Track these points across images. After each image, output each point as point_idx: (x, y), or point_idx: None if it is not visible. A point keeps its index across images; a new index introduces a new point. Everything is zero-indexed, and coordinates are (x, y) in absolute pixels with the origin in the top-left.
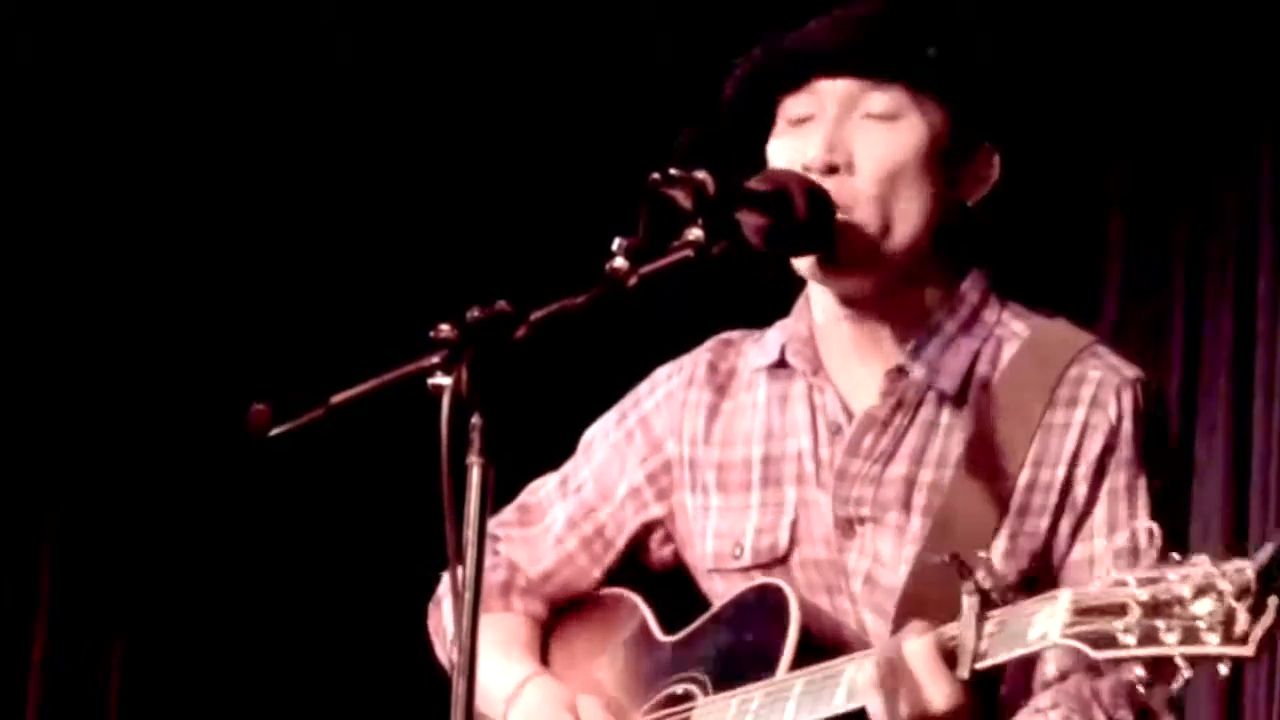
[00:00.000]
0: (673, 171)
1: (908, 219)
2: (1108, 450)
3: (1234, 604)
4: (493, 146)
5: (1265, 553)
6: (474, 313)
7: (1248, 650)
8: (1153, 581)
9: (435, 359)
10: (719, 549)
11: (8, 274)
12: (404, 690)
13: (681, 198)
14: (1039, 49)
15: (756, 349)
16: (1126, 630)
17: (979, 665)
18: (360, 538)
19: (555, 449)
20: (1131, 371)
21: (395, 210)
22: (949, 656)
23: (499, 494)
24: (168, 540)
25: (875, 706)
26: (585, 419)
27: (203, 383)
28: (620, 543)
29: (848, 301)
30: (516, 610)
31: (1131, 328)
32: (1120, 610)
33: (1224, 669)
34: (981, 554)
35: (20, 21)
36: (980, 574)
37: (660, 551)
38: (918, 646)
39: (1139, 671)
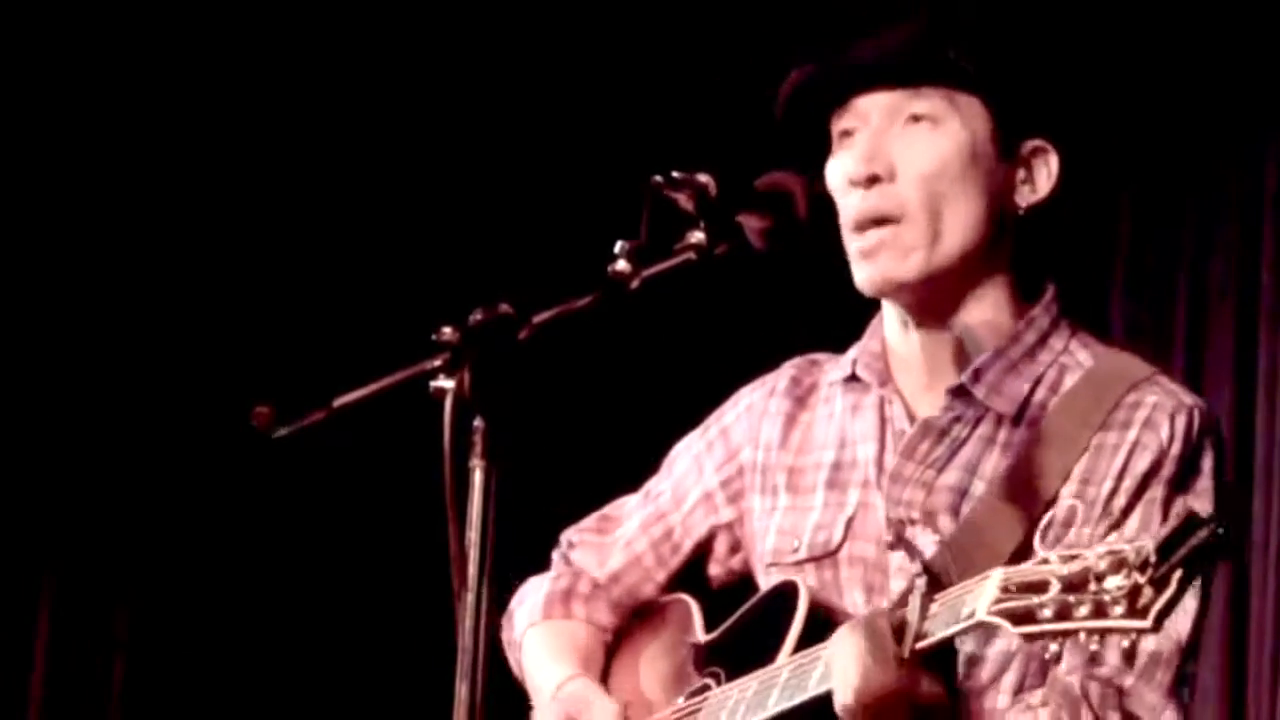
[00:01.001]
0: (674, 174)
1: (956, 225)
2: (1154, 468)
3: (1139, 579)
4: (495, 148)
5: (1166, 527)
6: (476, 315)
7: (1146, 624)
8: (1072, 559)
9: (438, 361)
10: (779, 545)
11: (13, 271)
12: (410, 692)
13: (683, 200)
14: (1046, 49)
15: (835, 366)
16: (1043, 606)
17: (919, 645)
18: (363, 541)
19: (560, 452)
20: (1190, 399)
21: (398, 212)
22: (898, 635)
23: (502, 496)
24: (171, 542)
25: (835, 672)
26: (587, 422)
27: (206, 383)
28: (687, 546)
29: (912, 312)
30: (577, 617)
31: (1135, 331)
32: (1042, 587)
33: (1125, 643)
34: (934, 536)
35: (20, 19)
36: (928, 555)
37: (728, 561)
38: (863, 625)
39: (1053, 647)
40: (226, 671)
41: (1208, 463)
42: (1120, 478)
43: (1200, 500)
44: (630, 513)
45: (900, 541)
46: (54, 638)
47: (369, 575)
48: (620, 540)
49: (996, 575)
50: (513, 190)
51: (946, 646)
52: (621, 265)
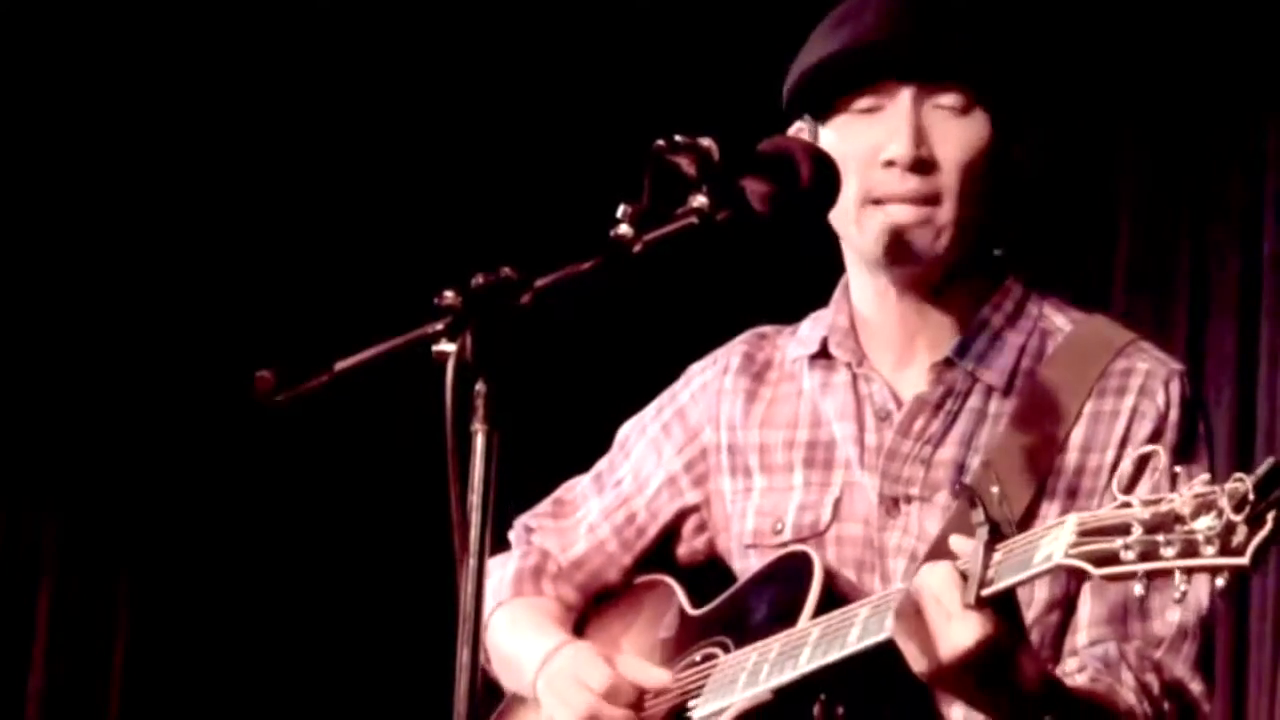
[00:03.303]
0: (677, 138)
1: (978, 211)
2: (1155, 436)
3: (1233, 517)
4: (497, 113)
5: (1264, 467)
6: (478, 279)
7: (1244, 560)
8: (1155, 502)
9: (439, 325)
10: (759, 526)
11: (11, 250)
12: (411, 657)
13: (686, 165)
14: (1048, 41)
15: (793, 341)
16: (1127, 548)
17: (985, 591)
18: (365, 505)
19: (562, 418)
20: (1176, 364)
21: (400, 177)
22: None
23: (502, 462)
24: (172, 509)
25: (901, 643)
26: (592, 389)
27: (206, 353)
28: (653, 530)
29: (905, 288)
30: (548, 594)
31: (1136, 322)
32: (1124, 529)
33: (1220, 581)
34: (994, 489)
35: (19, 15)
36: (990, 505)
37: (693, 542)
38: (930, 576)
39: (1137, 588)
40: (228, 634)
41: (1201, 426)
42: (1123, 445)
43: (1201, 462)
44: (585, 496)
45: (964, 489)
46: (55, 606)
47: (371, 540)
48: (582, 525)
49: (1072, 520)
50: (515, 154)
51: (1012, 598)
52: (624, 229)
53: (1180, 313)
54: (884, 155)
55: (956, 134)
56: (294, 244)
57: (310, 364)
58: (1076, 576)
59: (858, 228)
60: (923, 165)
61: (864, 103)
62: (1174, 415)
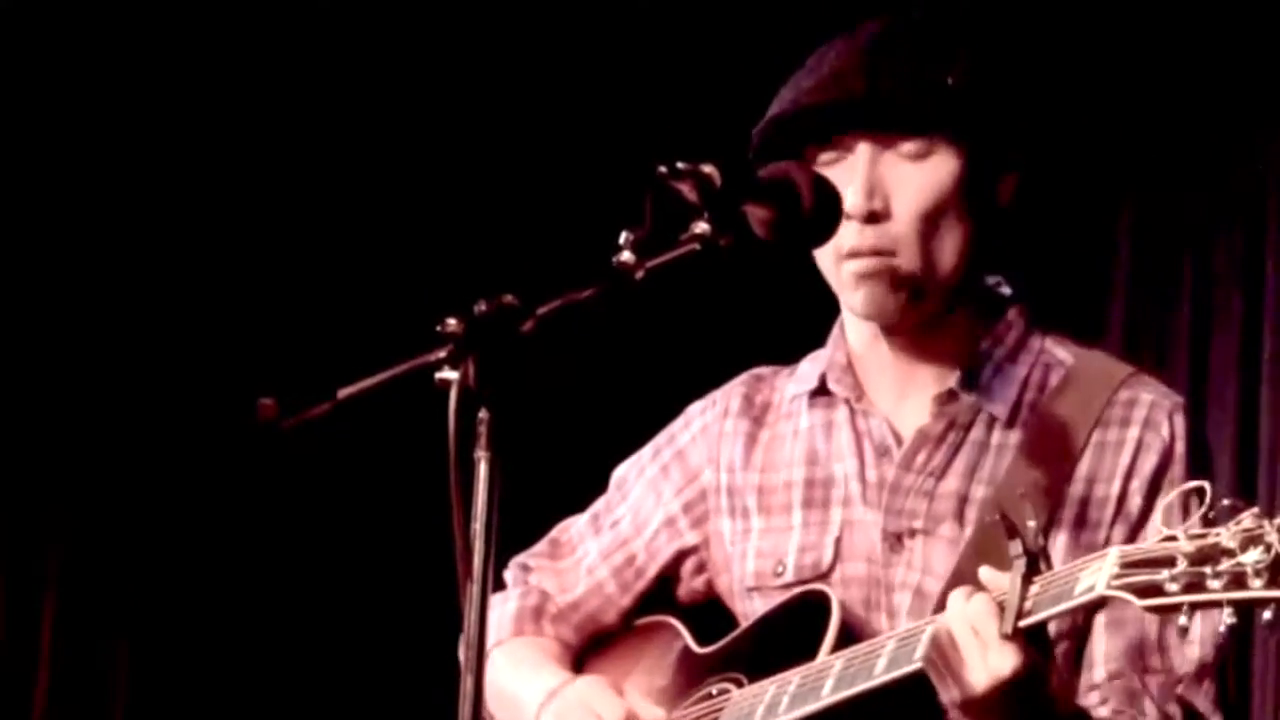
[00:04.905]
0: (679, 164)
1: (949, 253)
2: (1161, 468)
3: None
4: (499, 139)
5: None
6: (480, 306)
7: None
8: (1201, 536)
9: (442, 353)
10: (760, 568)
11: (15, 266)
12: (414, 684)
13: (687, 191)
14: (1042, 55)
15: (791, 380)
16: (1173, 580)
17: (1023, 622)
18: (368, 533)
19: (565, 442)
20: (1178, 397)
21: (402, 204)
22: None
23: (506, 487)
24: (175, 534)
25: (933, 672)
26: (591, 413)
27: (208, 379)
28: (652, 571)
29: (890, 331)
30: (548, 634)
31: (1138, 328)
32: (1168, 562)
33: (1268, 614)
34: (1030, 522)
35: (19, 13)
36: (1027, 537)
37: (692, 582)
38: (968, 607)
39: (1181, 620)
40: (230, 664)
41: (1201, 457)
42: (1129, 478)
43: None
44: (581, 537)
45: (1004, 519)
46: (59, 637)
47: (373, 567)
48: (580, 566)
49: (1114, 553)
50: (517, 181)
51: (1042, 632)
52: (626, 256)
53: (1184, 310)
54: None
55: (914, 181)
56: (297, 272)
57: (313, 392)
58: (1102, 609)
59: (837, 281)
60: (875, 217)
61: (827, 155)
62: (1179, 448)
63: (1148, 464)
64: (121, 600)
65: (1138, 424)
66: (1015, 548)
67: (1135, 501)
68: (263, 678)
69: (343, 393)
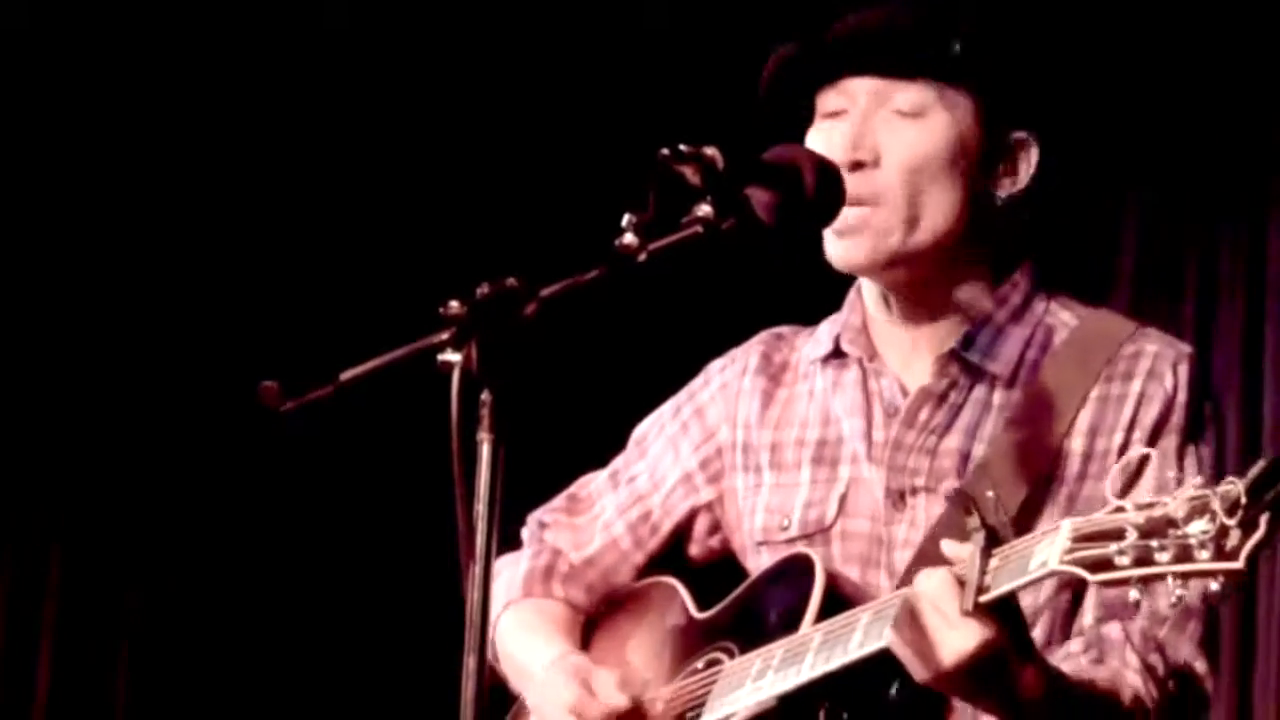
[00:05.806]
0: (682, 147)
1: (935, 213)
2: (1163, 418)
3: (1226, 521)
4: (501, 123)
5: (1256, 469)
6: (483, 289)
7: (1238, 564)
8: (1149, 506)
9: (444, 335)
10: (768, 523)
11: (12, 257)
12: (417, 664)
13: (690, 174)
14: (1041, 41)
15: (809, 342)
16: (1121, 553)
17: (982, 599)
18: (371, 515)
19: (567, 425)
20: (1185, 347)
21: (405, 187)
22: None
23: (508, 470)
24: (178, 519)
25: (899, 651)
26: (594, 395)
27: (210, 364)
28: (667, 528)
29: (892, 290)
30: (557, 596)
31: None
32: (1118, 535)
33: (1214, 585)
34: (989, 494)
35: (18, 10)
36: (985, 511)
37: (707, 541)
38: (927, 583)
39: (1133, 594)
40: (235, 645)
41: (1209, 408)
42: (1130, 429)
43: (1208, 447)
44: (600, 493)
45: (958, 495)
46: (61, 614)
47: (377, 549)
48: (596, 522)
49: (1066, 525)
50: (519, 164)
51: (1011, 602)
52: (628, 239)
53: (1187, 306)
54: (830, 156)
55: (906, 136)
56: (299, 255)
57: (315, 375)
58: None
59: (824, 234)
60: (860, 166)
61: (830, 105)
62: (1182, 398)
63: (1149, 415)
64: (121, 600)
65: (1141, 376)
66: (973, 521)
67: (1122, 468)
68: (263, 673)
69: (345, 375)
